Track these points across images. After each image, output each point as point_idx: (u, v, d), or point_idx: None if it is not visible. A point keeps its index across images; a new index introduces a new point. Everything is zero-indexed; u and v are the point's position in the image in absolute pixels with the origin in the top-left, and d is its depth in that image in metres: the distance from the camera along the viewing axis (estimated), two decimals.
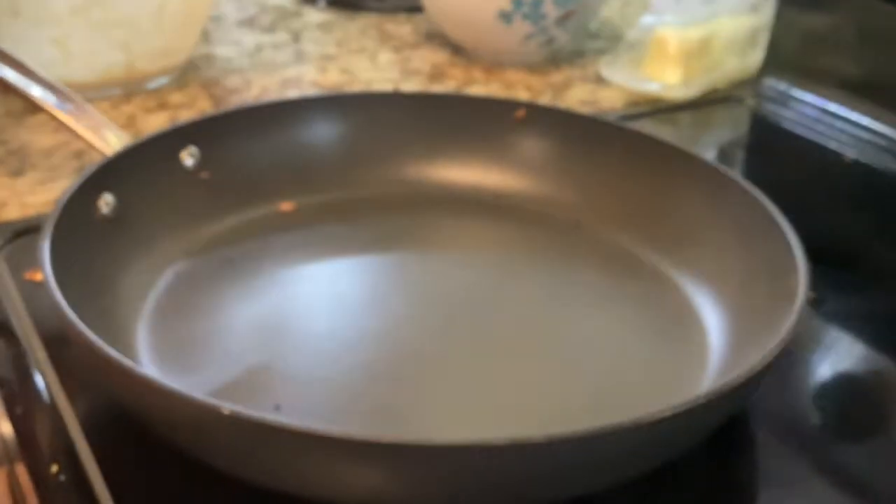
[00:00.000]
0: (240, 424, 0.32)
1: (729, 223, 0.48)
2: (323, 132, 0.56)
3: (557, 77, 0.76)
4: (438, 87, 0.74)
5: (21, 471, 0.42)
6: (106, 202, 0.47)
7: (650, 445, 0.34)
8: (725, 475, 0.40)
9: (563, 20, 0.75)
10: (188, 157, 0.52)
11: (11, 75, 0.52)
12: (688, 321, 0.46)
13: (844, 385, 0.46)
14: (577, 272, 0.51)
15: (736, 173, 0.50)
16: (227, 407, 0.31)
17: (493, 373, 0.43)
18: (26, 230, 0.51)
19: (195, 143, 0.52)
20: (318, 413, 0.41)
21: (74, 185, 0.45)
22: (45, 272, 0.39)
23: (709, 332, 0.45)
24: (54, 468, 0.37)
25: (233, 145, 0.54)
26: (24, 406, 0.41)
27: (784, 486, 0.39)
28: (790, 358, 0.46)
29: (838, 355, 0.48)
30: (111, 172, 0.47)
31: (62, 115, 0.52)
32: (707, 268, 0.48)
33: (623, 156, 0.54)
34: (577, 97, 0.73)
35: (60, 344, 0.44)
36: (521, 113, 0.57)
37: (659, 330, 0.46)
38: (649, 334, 0.46)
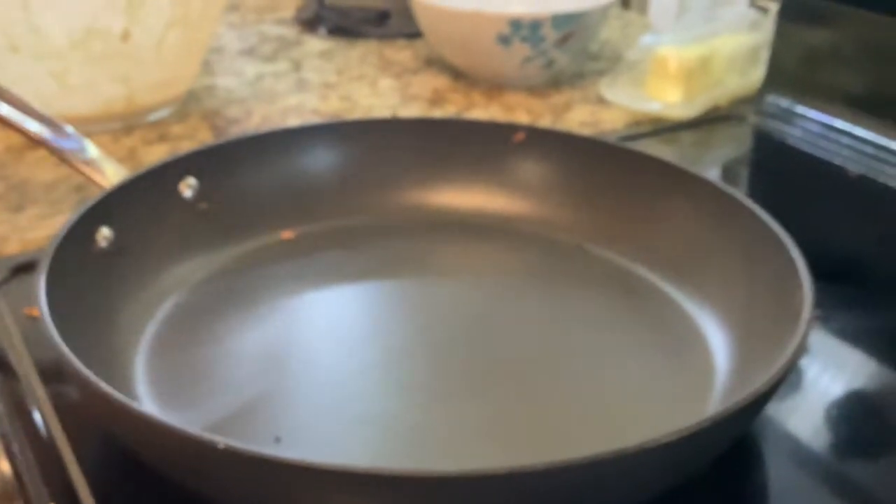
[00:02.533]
0: (235, 459, 0.31)
1: (732, 243, 0.48)
2: (322, 160, 0.56)
3: (558, 99, 0.76)
4: (439, 112, 0.74)
5: None
6: (104, 236, 0.47)
7: (657, 470, 0.33)
8: (735, 496, 0.39)
9: (562, 42, 0.75)
10: (187, 189, 0.52)
11: (9, 111, 0.52)
12: (692, 342, 0.46)
13: (853, 402, 0.45)
14: (580, 295, 0.51)
15: (738, 192, 0.49)
16: (222, 441, 0.31)
17: (497, 399, 0.43)
18: (26, 265, 0.51)
19: (193, 174, 0.52)
20: (319, 444, 0.40)
21: (71, 219, 0.45)
22: (40, 307, 0.39)
23: (714, 353, 0.45)
24: None
25: (231, 175, 0.53)
26: (22, 444, 0.41)
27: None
28: (797, 375, 0.45)
29: (846, 372, 0.47)
30: (109, 206, 0.47)
31: (59, 150, 0.52)
32: (711, 288, 0.48)
33: (624, 177, 0.54)
34: (578, 118, 0.73)
35: (59, 381, 0.43)
36: (520, 136, 0.56)
37: (663, 352, 0.46)
38: (654, 357, 0.45)
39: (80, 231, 0.45)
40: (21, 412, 0.42)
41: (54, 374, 0.44)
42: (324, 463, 0.30)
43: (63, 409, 0.42)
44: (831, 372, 0.47)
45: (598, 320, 0.49)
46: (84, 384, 0.35)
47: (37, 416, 0.42)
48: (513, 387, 0.44)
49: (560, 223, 0.55)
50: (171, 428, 0.32)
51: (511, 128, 0.57)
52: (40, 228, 0.56)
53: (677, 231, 0.51)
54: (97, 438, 0.40)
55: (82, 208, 0.46)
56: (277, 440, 0.39)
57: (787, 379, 0.37)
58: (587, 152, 0.55)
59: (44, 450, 0.40)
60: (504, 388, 0.43)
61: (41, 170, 0.63)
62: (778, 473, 0.40)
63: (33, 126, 0.52)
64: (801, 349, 0.37)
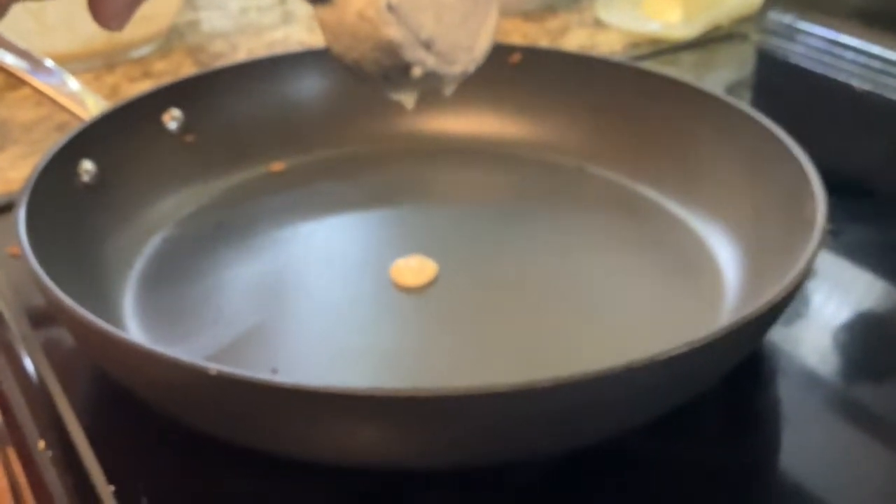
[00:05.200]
0: (229, 385, 0.30)
1: (739, 156, 0.46)
2: (311, 88, 0.54)
3: (554, 23, 0.74)
4: None
5: (13, 453, 0.41)
6: (86, 169, 0.45)
7: (670, 383, 0.32)
8: (745, 414, 0.38)
9: None
10: (171, 121, 0.50)
11: None
12: (700, 258, 0.44)
13: (862, 319, 0.44)
14: (583, 217, 0.49)
15: (744, 104, 0.47)
16: (214, 367, 0.30)
17: (501, 323, 0.41)
18: (7, 206, 0.49)
19: (177, 105, 0.50)
20: (318, 374, 0.39)
21: (51, 151, 0.43)
22: (21, 242, 0.37)
23: (723, 268, 0.43)
24: (41, 444, 0.35)
25: (217, 106, 0.51)
26: (10, 385, 0.39)
27: (804, 424, 0.37)
28: (806, 292, 0.44)
29: (855, 288, 0.46)
30: (90, 138, 0.45)
31: (39, 84, 0.50)
32: (718, 204, 0.46)
33: (624, 94, 0.52)
34: (575, 42, 0.71)
35: (46, 320, 0.42)
36: (516, 57, 0.54)
37: (671, 270, 0.44)
38: (661, 275, 0.44)
39: (61, 164, 0.43)
40: (8, 353, 0.41)
41: (41, 314, 0.43)
42: (323, 386, 0.29)
43: (51, 349, 0.41)
44: (839, 287, 0.45)
45: (602, 241, 0.47)
46: (72, 318, 0.33)
47: (24, 357, 0.41)
48: (517, 310, 0.42)
49: (559, 145, 0.53)
50: (163, 357, 0.30)
51: (507, 49, 0.54)
52: (21, 168, 0.54)
53: (680, 147, 0.49)
54: (87, 378, 0.39)
55: (62, 140, 0.44)
56: (274, 371, 0.38)
57: (798, 294, 0.35)
58: (585, 71, 0.53)
59: (32, 390, 0.39)
60: (508, 312, 0.42)
61: (21, 110, 0.61)
62: (786, 389, 0.39)
63: (12, 60, 0.50)
64: (816, 256, 0.36)
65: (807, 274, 0.35)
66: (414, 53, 0.35)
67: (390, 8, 0.34)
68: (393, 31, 0.34)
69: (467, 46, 0.38)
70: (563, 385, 0.28)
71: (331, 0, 0.34)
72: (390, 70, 0.36)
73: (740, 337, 0.33)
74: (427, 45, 0.36)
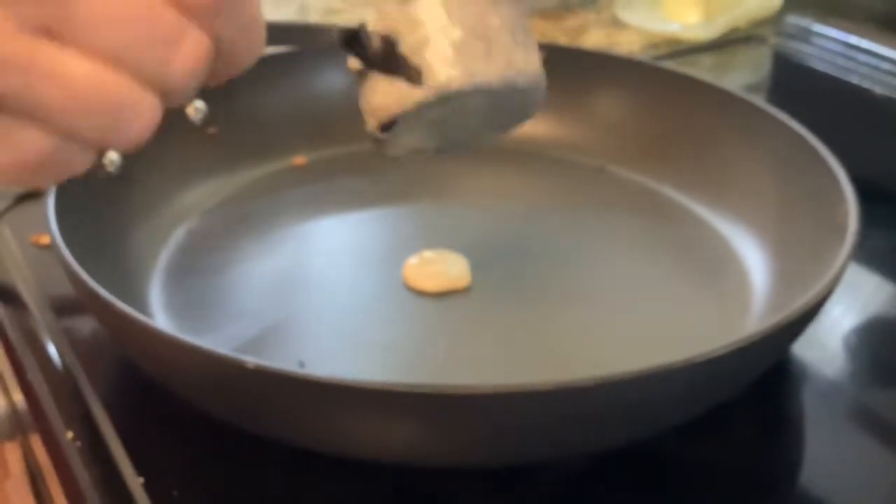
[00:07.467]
0: (265, 379, 0.30)
1: (765, 158, 0.46)
2: (334, 83, 0.54)
3: (572, 22, 0.74)
4: None
5: (36, 442, 0.41)
6: (110, 160, 0.45)
7: (706, 385, 0.32)
8: (771, 421, 0.38)
9: None
10: (194, 112, 0.50)
11: None
12: (727, 262, 0.44)
13: (885, 326, 0.44)
14: (606, 218, 0.49)
15: (770, 105, 0.47)
16: (250, 361, 0.29)
17: (527, 322, 0.41)
18: (29, 194, 0.49)
19: (200, 96, 0.49)
20: (345, 368, 0.39)
21: None
22: (51, 231, 0.37)
23: (750, 272, 0.43)
24: (69, 434, 0.35)
25: (240, 99, 0.51)
26: (35, 374, 0.39)
27: (831, 432, 0.37)
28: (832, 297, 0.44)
29: (879, 295, 0.46)
30: None
31: None
32: (744, 206, 0.46)
33: (646, 94, 0.52)
34: (593, 41, 0.70)
35: (70, 309, 0.42)
36: None
37: (696, 272, 0.44)
38: (687, 277, 0.44)
39: None
40: (33, 343, 0.41)
41: (64, 303, 0.42)
42: (365, 381, 0.28)
43: (76, 338, 0.40)
44: (865, 293, 0.45)
45: (626, 243, 0.47)
46: (103, 307, 0.33)
47: (49, 346, 0.40)
48: (543, 310, 0.42)
49: (581, 144, 0.53)
50: (200, 349, 0.30)
51: None
52: None
53: (704, 148, 0.49)
54: (112, 367, 0.39)
55: None
56: (301, 365, 0.38)
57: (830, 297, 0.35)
58: (607, 70, 0.53)
59: (58, 379, 0.39)
60: (534, 312, 0.42)
61: None
62: (811, 398, 0.39)
63: None
64: (849, 261, 0.36)
65: (840, 278, 0.35)
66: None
67: (384, 129, 0.36)
68: (391, 150, 0.37)
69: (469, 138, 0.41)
70: (606, 384, 0.28)
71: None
72: None
73: (774, 341, 0.33)
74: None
